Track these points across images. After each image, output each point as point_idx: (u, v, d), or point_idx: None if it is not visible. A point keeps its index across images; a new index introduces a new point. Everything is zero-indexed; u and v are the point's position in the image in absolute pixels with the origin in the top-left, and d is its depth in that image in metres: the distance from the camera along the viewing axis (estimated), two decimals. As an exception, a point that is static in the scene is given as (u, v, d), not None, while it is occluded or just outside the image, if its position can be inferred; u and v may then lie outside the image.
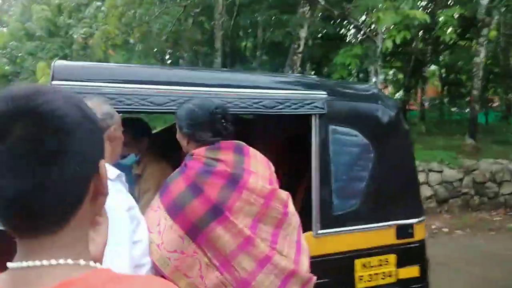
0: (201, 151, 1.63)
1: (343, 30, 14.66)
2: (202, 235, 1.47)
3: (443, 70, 19.33)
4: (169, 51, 10.60)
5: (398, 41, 5.51)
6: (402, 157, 2.39)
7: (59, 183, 0.54)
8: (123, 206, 1.40)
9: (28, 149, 0.51)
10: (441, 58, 17.68)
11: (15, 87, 0.56)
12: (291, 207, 1.67)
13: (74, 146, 0.55)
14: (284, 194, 1.66)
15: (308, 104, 2.17)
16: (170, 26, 7.79)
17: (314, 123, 2.20)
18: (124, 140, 2.69)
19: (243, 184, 1.54)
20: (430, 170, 7.56)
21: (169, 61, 11.78)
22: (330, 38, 13.40)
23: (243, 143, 1.73)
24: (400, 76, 20.26)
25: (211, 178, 1.54)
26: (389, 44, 5.52)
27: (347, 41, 13.79)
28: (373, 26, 8.73)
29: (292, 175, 2.81)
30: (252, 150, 1.72)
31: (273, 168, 1.74)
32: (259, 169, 1.65)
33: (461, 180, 7.75)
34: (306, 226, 2.19)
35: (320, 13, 8.70)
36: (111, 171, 1.43)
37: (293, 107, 2.15)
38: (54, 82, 1.94)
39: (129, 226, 1.41)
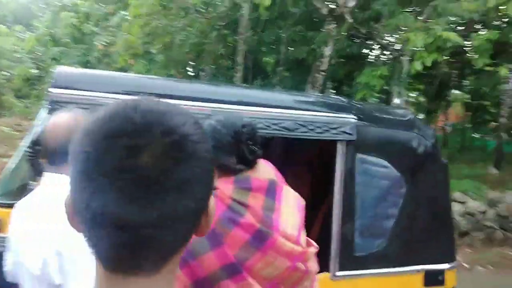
0: (227, 189, 1.34)
1: (366, 50, 14.40)
2: None
3: (466, 95, 18.82)
4: (191, 63, 10.55)
5: (428, 63, 5.25)
6: (437, 194, 2.12)
7: (181, 216, 0.50)
8: None
9: (159, 174, 0.47)
10: (466, 82, 17.20)
11: (142, 99, 0.52)
12: (313, 260, 1.42)
13: (201, 175, 0.51)
14: (313, 251, 1.42)
15: (335, 128, 1.94)
16: (193, 38, 7.70)
17: (340, 150, 1.96)
18: None
19: (270, 244, 1.30)
20: (452, 200, 7.16)
21: (190, 74, 11.74)
22: (353, 58, 13.16)
23: (275, 180, 1.43)
24: (421, 99, 19.81)
25: (234, 230, 1.29)
26: (418, 66, 5.26)
27: (370, 61, 13.52)
28: (400, 46, 8.48)
29: (309, 202, 2.56)
30: (285, 192, 1.43)
31: (303, 208, 1.47)
32: (289, 217, 1.39)
33: (484, 212, 7.32)
34: (322, 265, 1.94)
35: (346, 32, 8.51)
36: None
37: (317, 131, 1.92)
38: (52, 90, 1.77)
39: None
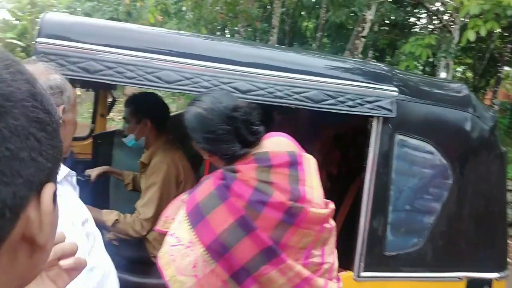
0: (250, 170, 1.27)
1: (412, 18, 13.43)
2: (251, 279, 1.21)
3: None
4: (224, 25, 10.12)
5: (483, 33, 4.64)
6: (491, 188, 1.74)
7: None
8: (78, 221, 1.02)
9: None
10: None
11: None
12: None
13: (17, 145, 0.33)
14: (333, 206, 1.37)
15: (370, 102, 1.58)
16: (226, -5, 7.27)
17: (376, 128, 1.61)
18: (125, 116, 2.20)
19: (303, 217, 1.24)
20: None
21: (223, 35, 11.35)
22: (397, 25, 12.28)
23: (295, 151, 1.33)
24: (469, 74, 18.54)
25: (265, 211, 1.22)
26: (471, 35, 4.64)
27: (416, 31, 12.61)
28: (450, 14, 7.72)
29: (335, 187, 2.24)
30: (305, 160, 1.33)
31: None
32: (314, 184, 1.32)
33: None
34: (345, 262, 1.64)
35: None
36: None
37: (348, 103, 1.56)
38: (39, 40, 1.49)
39: (85, 246, 1.01)
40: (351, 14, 8.06)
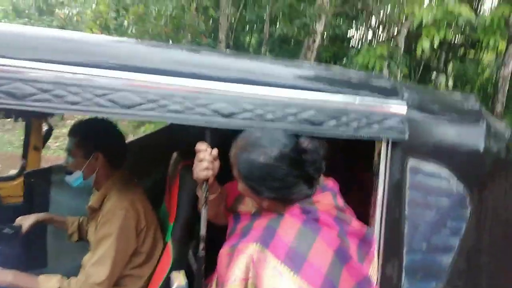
0: (326, 198, 1.23)
1: (350, 31, 13.82)
2: None
3: (450, 81, 18.51)
4: (168, 39, 9.73)
5: (436, 42, 4.68)
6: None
7: None
8: None
9: None
10: (449, 67, 16.90)
11: None
12: None
13: None
14: None
15: (377, 122, 1.30)
16: (170, 9, 6.90)
17: (384, 153, 1.34)
18: (68, 148, 1.67)
19: (371, 243, 1.25)
20: None
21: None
22: (338, 38, 12.58)
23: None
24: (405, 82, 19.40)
25: (349, 237, 1.20)
26: (426, 44, 4.66)
27: (354, 42, 13.02)
28: (390, 26, 7.93)
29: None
30: None
31: None
32: None
33: None
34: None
35: (335, 8, 7.86)
36: None
37: (353, 125, 1.28)
38: None
39: None
40: (301, 27, 8.02)
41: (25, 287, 1.49)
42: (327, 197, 1.23)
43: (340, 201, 1.26)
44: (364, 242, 1.21)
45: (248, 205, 1.37)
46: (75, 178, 1.70)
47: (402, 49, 7.14)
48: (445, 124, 1.42)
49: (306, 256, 1.09)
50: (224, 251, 1.27)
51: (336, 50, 12.10)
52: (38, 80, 1.06)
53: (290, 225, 1.16)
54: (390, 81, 1.42)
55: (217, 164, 1.23)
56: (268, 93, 1.22)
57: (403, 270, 1.38)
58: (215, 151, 1.21)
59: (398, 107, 1.34)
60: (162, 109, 1.14)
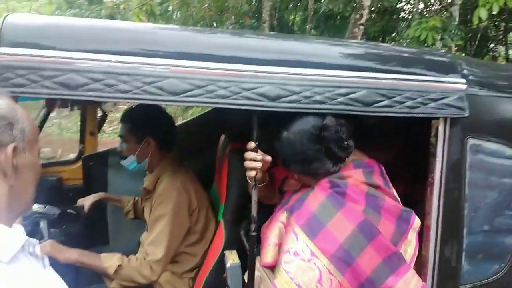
0: (357, 174, 1.24)
1: (399, 4, 13.12)
2: None
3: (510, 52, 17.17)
4: (212, 23, 9.77)
5: (495, 10, 4.34)
6: None
7: None
8: None
9: None
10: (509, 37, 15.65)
11: None
12: None
13: None
14: None
15: (435, 100, 1.23)
16: (213, -8, 6.89)
17: (443, 132, 1.27)
18: (121, 134, 1.76)
19: (412, 223, 1.21)
20: None
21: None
22: (387, 12, 11.99)
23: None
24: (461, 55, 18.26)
25: (383, 214, 1.18)
26: (483, 13, 4.34)
27: (403, 16, 12.35)
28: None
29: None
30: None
31: None
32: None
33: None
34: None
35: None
36: (7, 242, 0.72)
37: (407, 104, 1.21)
38: (0, 50, 1.13)
39: None
40: (347, 2, 7.74)
41: (89, 264, 1.59)
42: (358, 173, 1.24)
43: (378, 179, 1.24)
44: (401, 219, 1.19)
45: (291, 185, 1.42)
46: (130, 163, 1.78)
47: (457, 19, 6.68)
48: (508, 100, 1.32)
49: (325, 225, 1.14)
50: (265, 224, 1.36)
51: (384, 24, 11.59)
52: (90, 70, 1.10)
53: (316, 197, 1.21)
54: (448, 56, 1.33)
55: (267, 159, 1.26)
56: (316, 74, 1.18)
57: (463, 251, 1.32)
58: (266, 161, 1.26)
59: (456, 84, 1.25)
60: (208, 94, 1.14)
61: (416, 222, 1.22)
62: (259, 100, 1.16)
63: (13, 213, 0.78)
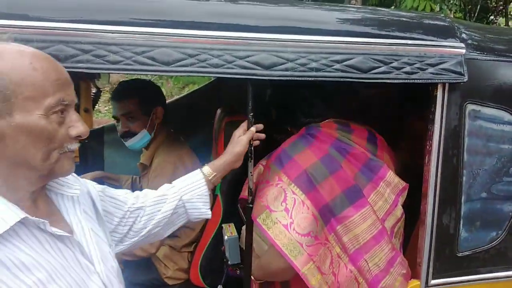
0: (331, 125, 1.37)
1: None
2: (336, 220, 1.23)
3: (510, 23, 16.92)
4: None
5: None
6: None
7: None
8: None
9: None
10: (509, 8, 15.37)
11: None
12: None
13: None
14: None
15: (433, 65, 1.20)
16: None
17: (441, 97, 1.24)
18: (124, 112, 1.74)
19: (382, 175, 1.29)
20: None
21: None
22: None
23: (374, 133, 1.42)
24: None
25: (348, 157, 1.29)
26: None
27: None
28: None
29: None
30: (385, 145, 1.41)
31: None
32: (390, 165, 1.36)
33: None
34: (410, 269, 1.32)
35: None
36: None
37: (405, 69, 1.19)
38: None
39: None
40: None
41: None
42: (333, 127, 1.35)
43: (356, 139, 1.34)
44: (367, 167, 1.28)
45: None
46: (141, 138, 1.73)
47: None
48: (508, 65, 1.29)
49: (292, 157, 1.28)
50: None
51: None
52: (79, 41, 1.06)
53: (291, 138, 1.36)
54: (446, 20, 1.29)
55: (259, 126, 1.28)
56: (311, 41, 1.15)
57: (461, 219, 1.32)
58: (258, 128, 1.28)
59: (455, 48, 1.22)
60: (201, 63, 1.11)
61: (390, 176, 1.29)
62: (253, 69, 1.13)
63: (26, 183, 0.74)
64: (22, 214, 0.71)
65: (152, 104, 1.72)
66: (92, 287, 0.79)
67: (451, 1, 5.83)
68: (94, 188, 1.00)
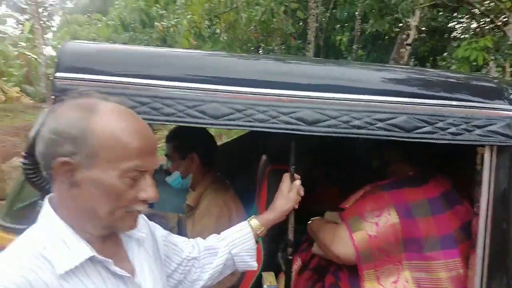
0: (445, 177, 1.51)
1: (451, 23, 12.72)
2: (419, 255, 1.34)
3: None
4: (258, 44, 9.97)
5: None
6: None
7: None
8: None
9: None
10: None
11: None
12: None
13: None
14: None
15: (480, 127, 1.19)
16: (260, 15, 7.05)
17: (488, 160, 1.22)
18: (167, 153, 1.83)
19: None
20: None
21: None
22: (437, 31, 11.65)
23: None
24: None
25: (455, 209, 1.40)
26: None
27: (455, 35, 11.94)
28: (496, 14, 7.18)
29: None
30: None
31: None
32: None
33: None
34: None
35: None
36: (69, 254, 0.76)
37: (451, 130, 1.18)
38: (57, 75, 1.23)
39: None
40: (393, 22, 7.64)
41: None
42: (446, 177, 1.51)
43: (461, 194, 1.46)
44: (467, 227, 1.34)
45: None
46: (174, 179, 1.85)
47: (511, 39, 6.40)
48: None
49: (401, 188, 1.44)
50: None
51: (434, 44, 11.29)
52: (138, 94, 1.16)
53: (404, 175, 1.54)
54: (494, 82, 1.29)
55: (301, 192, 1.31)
56: (354, 99, 1.18)
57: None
58: (297, 184, 1.29)
59: (503, 110, 1.20)
60: (247, 118, 1.17)
61: None
62: (296, 124, 1.18)
63: (91, 229, 0.79)
64: (91, 252, 0.77)
65: (187, 150, 1.81)
66: None
67: (506, 51, 5.67)
68: (160, 231, 1.06)
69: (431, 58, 12.88)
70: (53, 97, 1.22)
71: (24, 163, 1.25)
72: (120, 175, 0.76)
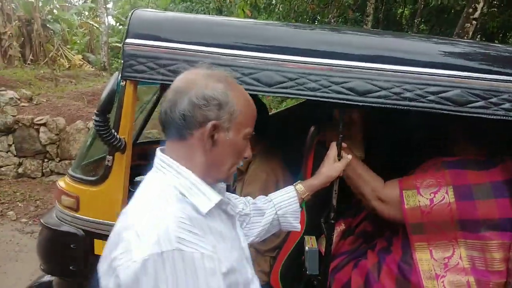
0: None
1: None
2: (474, 235, 1.36)
3: None
4: (314, 16, 9.74)
5: None
6: None
7: None
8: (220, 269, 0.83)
9: None
10: None
11: None
12: None
13: None
14: None
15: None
16: (317, -15, 6.91)
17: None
18: None
19: None
20: None
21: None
22: (510, 5, 10.75)
23: None
24: None
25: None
26: None
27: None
28: None
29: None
30: None
31: None
32: None
33: None
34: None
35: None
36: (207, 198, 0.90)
37: (504, 106, 1.17)
38: (127, 41, 1.34)
39: None
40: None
41: None
42: None
43: None
44: None
45: None
46: None
47: None
48: None
49: (464, 169, 1.41)
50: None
51: (506, 19, 10.47)
52: (198, 61, 1.25)
53: (470, 156, 1.49)
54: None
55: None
56: (406, 71, 1.20)
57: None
58: (347, 156, 1.40)
59: None
60: (299, 86, 1.23)
61: None
62: (347, 94, 1.21)
63: (210, 179, 0.93)
64: (220, 197, 0.91)
65: None
66: (243, 257, 0.98)
67: None
68: None
69: (500, 35, 12.00)
70: (125, 63, 1.35)
71: (96, 120, 1.40)
72: (244, 137, 0.94)
